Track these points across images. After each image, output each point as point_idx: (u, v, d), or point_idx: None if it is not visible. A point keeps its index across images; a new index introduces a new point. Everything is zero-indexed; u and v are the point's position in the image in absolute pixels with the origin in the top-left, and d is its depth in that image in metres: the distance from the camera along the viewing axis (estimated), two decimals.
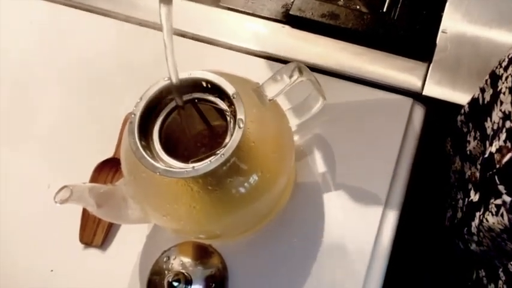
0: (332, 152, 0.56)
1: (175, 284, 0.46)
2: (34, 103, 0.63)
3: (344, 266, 0.51)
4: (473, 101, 0.52)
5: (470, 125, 0.53)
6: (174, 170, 0.40)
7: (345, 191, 0.54)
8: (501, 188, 0.41)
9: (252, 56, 0.62)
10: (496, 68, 0.47)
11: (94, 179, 0.56)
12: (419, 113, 0.57)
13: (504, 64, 0.46)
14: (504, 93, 0.45)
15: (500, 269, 0.46)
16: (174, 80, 0.42)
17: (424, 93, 0.57)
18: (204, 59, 0.63)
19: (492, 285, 0.47)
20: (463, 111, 0.55)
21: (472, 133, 0.53)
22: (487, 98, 0.48)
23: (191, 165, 0.40)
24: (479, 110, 0.50)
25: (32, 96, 0.63)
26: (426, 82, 0.57)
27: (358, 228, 0.52)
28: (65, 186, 0.39)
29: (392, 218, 0.53)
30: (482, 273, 0.50)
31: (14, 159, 0.60)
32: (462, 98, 0.55)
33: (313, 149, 0.56)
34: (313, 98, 0.50)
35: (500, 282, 0.46)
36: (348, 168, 0.55)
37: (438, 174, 0.64)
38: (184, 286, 0.47)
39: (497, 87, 0.46)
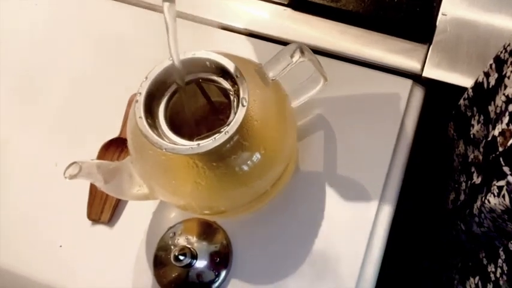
0: (333, 131, 0.55)
1: (181, 257, 0.46)
2: (41, 84, 0.62)
3: (344, 243, 0.51)
4: (478, 85, 0.50)
5: (475, 109, 0.52)
6: (180, 147, 0.39)
7: (345, 170, 0.53)
8: (506, 169, 0.40)
9: (254, 38, 0.61)
10: (501, 52, 0.46)
11: (100, 158, 0.55)
12: (418, 94, 0.57)
13: (509, 48, 0.45)
14: (509, 77, 0.43)
15: (501, 249, 0.46)
16: (176, 64, 0.42)
17: (423, 75, 0.56)
18: (207, 41, 0.62)
19: (492, 265, 0.47)
20: (466, 95, 0.54)
21: (476, 117, 0.52)
22: (492, 82, 0.47)
23: (196, 142, 0.40)
24: (483, 94, 0.49)
25: (39, 76, 0.62)
26: (426, 64, 0.56)
27: (358, 206, 0.52)
28: (74, 162, 0.39)
29: (391, 197, 0.52)
30: (483, 254, 0.50)
31: (22, 138, 0.59)
32: (461, 80, 0.55)
33: (314, 129, 0.55)
34: (315, 79, 0.49)
35: (500, 261, 0.45)
36: (348, 148, 0.54)
37: (440, 157, 0.64)
38: (189, 260, 0.47)
39: (503, 71, 0.45)
